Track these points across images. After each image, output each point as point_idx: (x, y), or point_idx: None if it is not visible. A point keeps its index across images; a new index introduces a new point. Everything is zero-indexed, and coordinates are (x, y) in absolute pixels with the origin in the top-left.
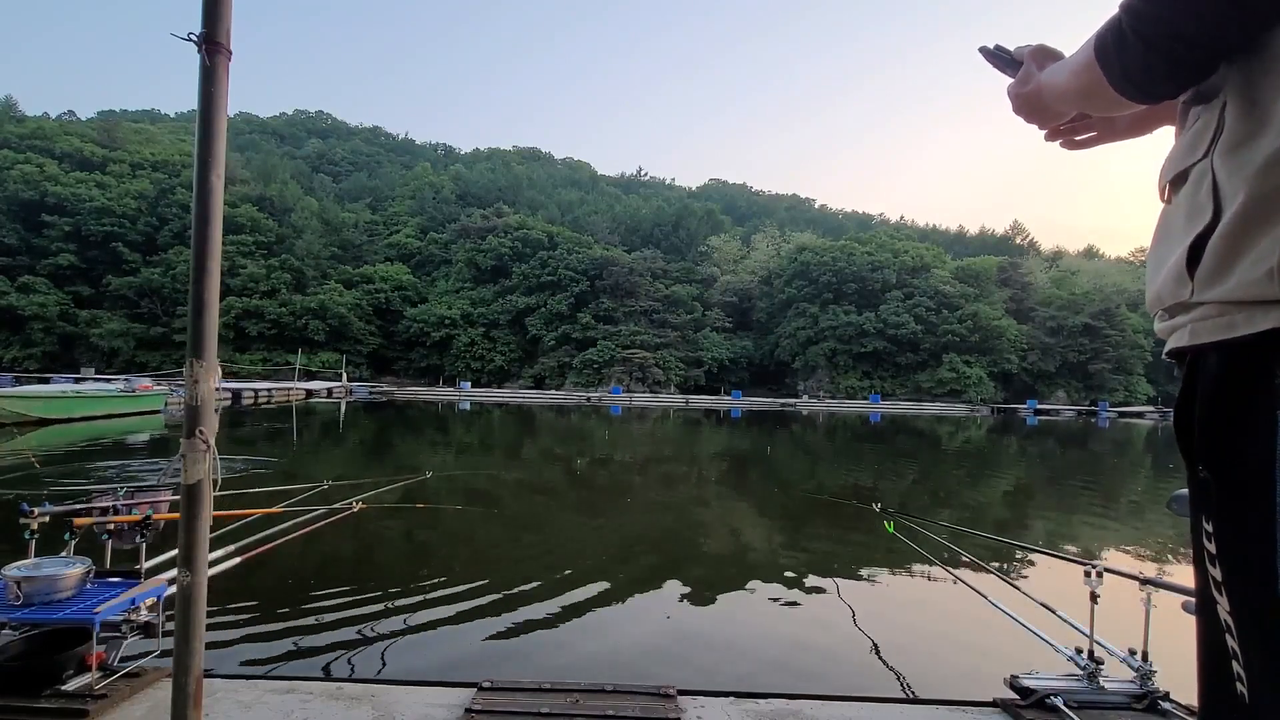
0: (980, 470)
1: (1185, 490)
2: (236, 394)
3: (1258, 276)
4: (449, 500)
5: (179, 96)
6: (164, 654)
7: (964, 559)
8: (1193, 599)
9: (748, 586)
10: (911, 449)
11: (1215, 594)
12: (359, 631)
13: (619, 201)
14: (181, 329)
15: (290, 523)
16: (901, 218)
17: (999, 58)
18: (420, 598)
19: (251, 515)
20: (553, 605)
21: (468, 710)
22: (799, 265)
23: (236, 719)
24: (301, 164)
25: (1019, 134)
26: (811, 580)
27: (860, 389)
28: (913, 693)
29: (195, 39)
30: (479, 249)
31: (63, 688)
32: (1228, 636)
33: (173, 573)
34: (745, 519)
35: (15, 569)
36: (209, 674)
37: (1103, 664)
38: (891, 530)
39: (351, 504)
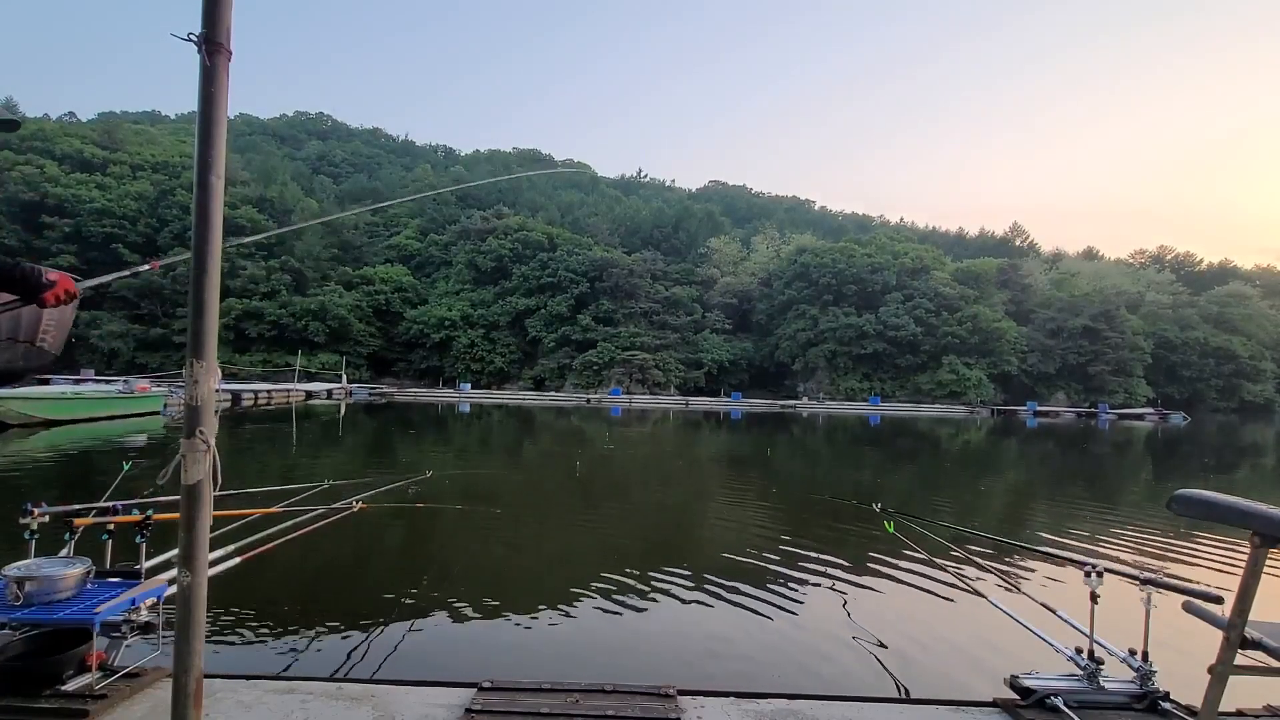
0: (980, 471)
1: (1185, 490)
2: (236, 395)
3: None
4: (449, 500)
5: (179, 97)
6: (164, 654)
7: (964, 559)
8: (1193, 599)
9: (747, 586)
10: (912, 450)
11: None
12: (359, 631)
13: (619, 203)
14: (181, 330)
15: (290, 523)
16: (901, 219)
17: None
18: (420, 598)
19: (251, 515)
20: (552, 605)
21: (468, 710)
22: (799, 267)
23: (236, 719)
24: (302, 165)
25: (1019, 135)
26: (811, 580)
27: (860, 391)
28: (912, 693)
29: (195, 39)
30: (479, 250)
31: (63, 688)
32: None
33: (173, 573)
34: (745, 519)
35: (15, 569)
36: (209, 674)
37: (1103, 664)
38: (892, 530)
39: (351, 504)
